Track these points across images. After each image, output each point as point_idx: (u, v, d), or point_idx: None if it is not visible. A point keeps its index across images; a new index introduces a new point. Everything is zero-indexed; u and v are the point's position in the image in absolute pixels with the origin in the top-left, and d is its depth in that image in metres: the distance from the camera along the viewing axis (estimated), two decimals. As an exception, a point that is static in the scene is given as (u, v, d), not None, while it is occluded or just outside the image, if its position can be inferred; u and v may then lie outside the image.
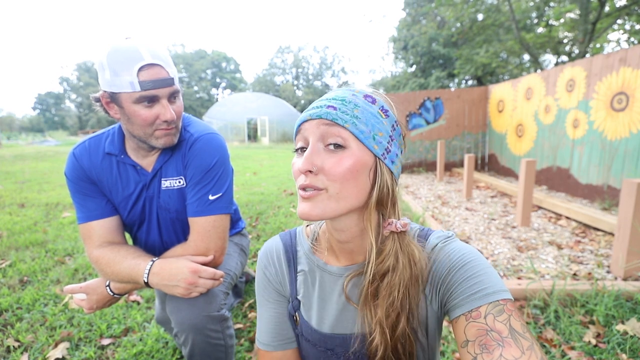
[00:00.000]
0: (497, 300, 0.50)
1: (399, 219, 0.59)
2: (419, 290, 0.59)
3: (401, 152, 0.62)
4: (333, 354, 0.66)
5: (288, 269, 0.71)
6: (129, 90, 0.91)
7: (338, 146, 0.54)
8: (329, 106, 0.55)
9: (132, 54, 0.90)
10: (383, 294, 0.57)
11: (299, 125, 0.58)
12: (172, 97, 0.98)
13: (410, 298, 0.58)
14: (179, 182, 1.09)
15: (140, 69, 0.90)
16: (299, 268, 0.71)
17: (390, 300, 0.57)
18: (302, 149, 0.57)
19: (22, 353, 1.44)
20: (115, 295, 1.09)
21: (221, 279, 1.04)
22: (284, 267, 0.72)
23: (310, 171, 0.54)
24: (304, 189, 0.55)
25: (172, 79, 0.96)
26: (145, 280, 0.98)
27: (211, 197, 1.05)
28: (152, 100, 0.94)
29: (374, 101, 0.57)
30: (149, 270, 0.98)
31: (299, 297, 0.70)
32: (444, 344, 1.48)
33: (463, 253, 0.57)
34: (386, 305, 0.57)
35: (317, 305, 0.67)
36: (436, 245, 0.60)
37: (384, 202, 0.57)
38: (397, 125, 0.59)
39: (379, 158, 0.56)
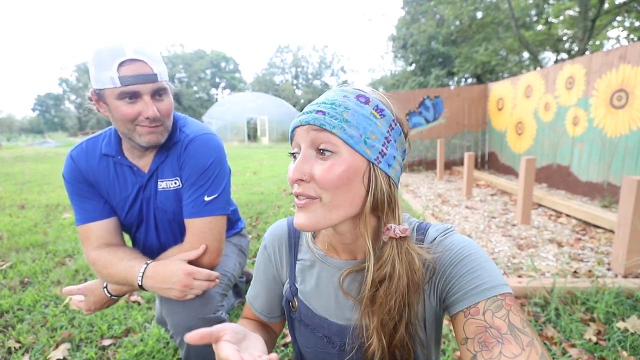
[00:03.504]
0: (496, 296, 0.50)
1: (399, 224, 0.56)
2: (419, 298, 0.58)
3: (404, 151, 0.60)
4: (329, 343, 0.66)
5: (289, 255, 0.72)
6: (110, 85, 0.90)
7: (328, 152, 0.52)
8: (317, 111, 0.53)
9: (114, 50, 0.90)
10: (380, 302, 0.56)
11: (293, 131, 0.57)
12: (157, 94, 0.96)
13: (409, 306, 0.56)
14: (175, 183, 1.08)
15: (121, 64, 0.89)
16: (299, 256, 0.71)
17: (386, 309, 0.55)
18: (297, 154, 0.56)
19: (23, 354, 1.44)
20: (113, 297, 1.08)
21: (217, 280, 1.03)
22: (284, 252, 0.73)
23: (301, 180, 0.53)
24: (297, 197, 0.54)
25: (156, 75, 0.93)
26: (140, 284, 0.97)
27: (207, 198, 1.04)
28: (134, 96, 0.93)
29: (367, 101, 0.54)
30: (143, 273, 0.98)
31: (297, 285, 0.70)
32: (444, 343, 1.48)
33: (462, 246, 0.56)
34: (383, 313, 0.56)
35: (314, 294, 0.68)
36: (435, 238, 0.60)
37: (380, 208, 0.55)
38: (395, 124, 0.56)
39: (372, 163, 0.53)
